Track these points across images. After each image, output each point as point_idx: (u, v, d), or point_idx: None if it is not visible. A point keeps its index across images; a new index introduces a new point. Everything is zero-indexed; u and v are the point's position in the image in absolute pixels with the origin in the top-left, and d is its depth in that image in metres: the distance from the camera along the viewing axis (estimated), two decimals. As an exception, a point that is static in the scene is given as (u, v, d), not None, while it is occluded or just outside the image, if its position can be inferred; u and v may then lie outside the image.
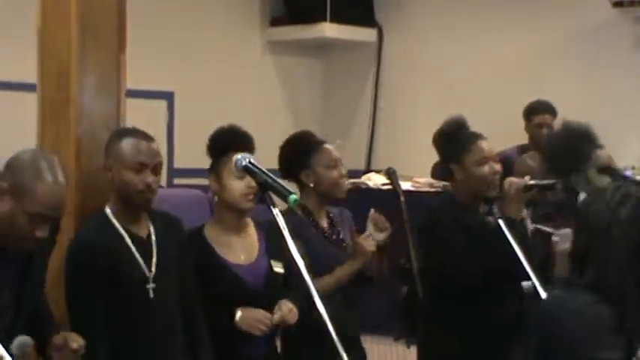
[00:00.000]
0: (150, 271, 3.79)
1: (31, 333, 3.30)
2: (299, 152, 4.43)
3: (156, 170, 3.79)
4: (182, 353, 3.88)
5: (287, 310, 3.98)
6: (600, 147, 4.09)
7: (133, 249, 3.79)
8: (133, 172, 3.74)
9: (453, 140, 4.42)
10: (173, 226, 3.97)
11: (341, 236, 4.47)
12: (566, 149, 4.01)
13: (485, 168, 4.34)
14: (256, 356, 4.07)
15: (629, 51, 8.72)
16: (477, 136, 4.44)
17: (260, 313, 3.96)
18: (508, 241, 4.00)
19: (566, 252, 3.04)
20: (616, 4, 8.54)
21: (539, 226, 4.11)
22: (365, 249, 4.28)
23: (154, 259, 3.81)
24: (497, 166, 4.38)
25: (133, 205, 3.80)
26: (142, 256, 3.79)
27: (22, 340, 3.26)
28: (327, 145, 4.46)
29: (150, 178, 3.75)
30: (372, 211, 4.38)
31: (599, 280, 2.70)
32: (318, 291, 3.08)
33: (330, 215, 4.48)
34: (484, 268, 4.16)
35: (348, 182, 4.49)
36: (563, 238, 3.21)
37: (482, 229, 4.23)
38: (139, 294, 3.77)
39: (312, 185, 4.38)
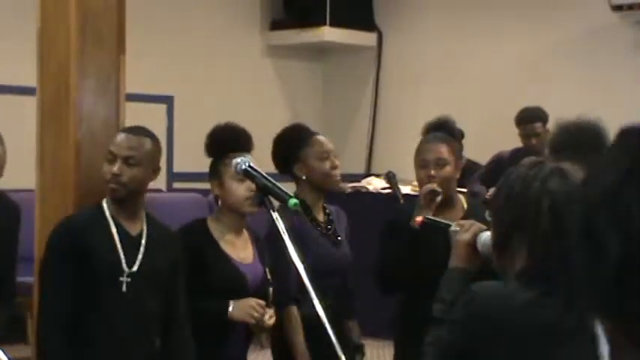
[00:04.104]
0: (129, 267, 3.78)
1: None
2: (290, 145, 4.40)
3: (128, 162, 3.78)
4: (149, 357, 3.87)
5: (269, 317, 3.96)
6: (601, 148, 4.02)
7: (116, 238, 3.79)
8: (106, 162, 3.81)
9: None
10: (170, 242, 3.94)
11: (337, 233, 4.45)
12: (561, 143, 3.95)
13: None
14: (227, 357, 4.06)
15: (629, 54, 8.72)
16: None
17: (253, 301, 3.93)
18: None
19: (466, 242, 2.88)
20: (615, 8, 8.54)
21: (431, 217, 3.69)
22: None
23: (139, 257, 3.81)
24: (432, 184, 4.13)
25: (109, 195, 3.82)
26: (124, 250, 3.79)
27: None
28: (318, 137, 4.44)
29: (115, 168, 3.76)
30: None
31: (533, 266, 2.36)
32: (317, 293, 3.08)
33: (327, 211, 4.46)
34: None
35: (338, 176, 4.39)
36: (463, 228, 2.96)
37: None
38: (111, 283, 3.76)
39: (304, 178, 4.35)
